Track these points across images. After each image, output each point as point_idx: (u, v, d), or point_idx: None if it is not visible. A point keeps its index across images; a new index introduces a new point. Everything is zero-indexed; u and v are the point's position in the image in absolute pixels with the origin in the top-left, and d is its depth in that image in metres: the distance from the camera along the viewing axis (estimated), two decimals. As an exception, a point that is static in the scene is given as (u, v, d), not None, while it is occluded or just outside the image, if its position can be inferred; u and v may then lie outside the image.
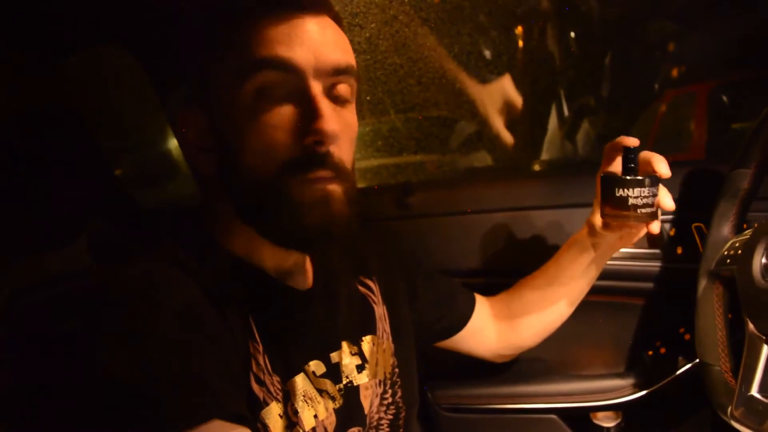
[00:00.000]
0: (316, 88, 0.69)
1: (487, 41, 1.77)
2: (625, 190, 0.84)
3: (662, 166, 0.87)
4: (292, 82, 0.68)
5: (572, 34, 2.03)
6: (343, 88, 0.72)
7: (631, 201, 0.84)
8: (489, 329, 1.08)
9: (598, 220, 0.94)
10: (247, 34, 0.69)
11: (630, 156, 0.86)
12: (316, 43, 0.69)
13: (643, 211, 0.85)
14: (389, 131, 1.89)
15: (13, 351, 0.76)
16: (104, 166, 1.06)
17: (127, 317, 0.63)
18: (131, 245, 0.94)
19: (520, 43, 1.88)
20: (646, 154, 0.88)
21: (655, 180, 0.85)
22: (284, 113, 0.68)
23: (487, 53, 1.77)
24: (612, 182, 0.86)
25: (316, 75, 0.69)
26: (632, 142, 0.88)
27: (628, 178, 0.85)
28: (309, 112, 0.68)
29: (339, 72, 0.71)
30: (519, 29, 1.86)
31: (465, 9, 1.70)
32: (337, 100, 0.72)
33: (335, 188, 0.70)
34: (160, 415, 0.58)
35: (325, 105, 0.68)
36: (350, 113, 0.75)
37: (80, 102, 0.99)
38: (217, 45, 0.70)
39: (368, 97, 1.70)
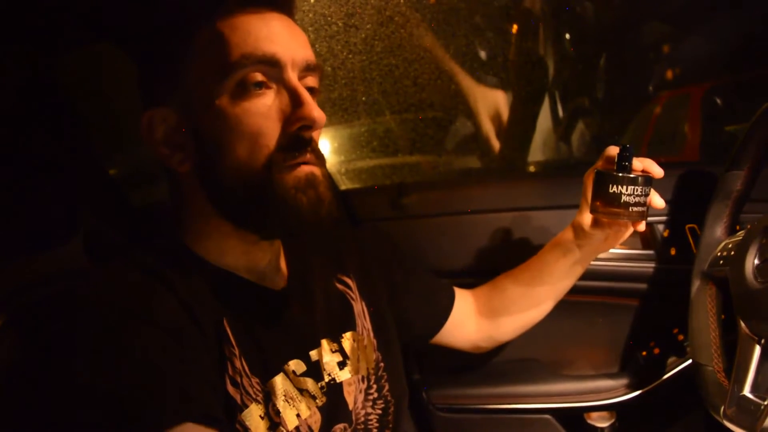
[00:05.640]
0: (295, 79, 0.72)
1: (482, 42, 1.77)
2: (619, 187, 0.86)
3: (656, 167, 0.89)
4: (272, 75, 0.71)
5: (567, 36, 2.04)
6: (312, 81, 0.76)
7: (624, 198, 0.86)
8: (469, 322, 1.08)
9: (585, 219, 0.95)
10: (223, 31, 0.70)
11: (625, 154, 0.87)
12: (290, 39, 0.73)
13: (634, 209, 0.86)
14: (385, 132, 1.88)
15: (5, 352, 0.75)
16: (99, 166, 1.06)
17: (98, 324, 0.63)
18: (127, 245, 0.93)
19: (515, 44, 1.89)
20: (639, 160, 0.90)
21: (648, 180, 0.87)
22: (268, 103, 0.71)
23: (483, 54, 1.78)
24: (606, 178, 0.87)
25: (293, 68, 0.72)
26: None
27: (621, 175, 0.86)
28: (294, 101, 0.71)
29: (309, 68, 0.75)
30: (514, 30, 1.87)
31: (461, 10, 1.71)
32: (309, 93, 0.75)
33: (319, 172, 0.73)
34: (130, 419, 0.58)
35: (306, 93, 0.72)
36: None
37: (75, 101, 0.99)
38: (192, 42, 0.72)
39: (364, 98, 1.70)
